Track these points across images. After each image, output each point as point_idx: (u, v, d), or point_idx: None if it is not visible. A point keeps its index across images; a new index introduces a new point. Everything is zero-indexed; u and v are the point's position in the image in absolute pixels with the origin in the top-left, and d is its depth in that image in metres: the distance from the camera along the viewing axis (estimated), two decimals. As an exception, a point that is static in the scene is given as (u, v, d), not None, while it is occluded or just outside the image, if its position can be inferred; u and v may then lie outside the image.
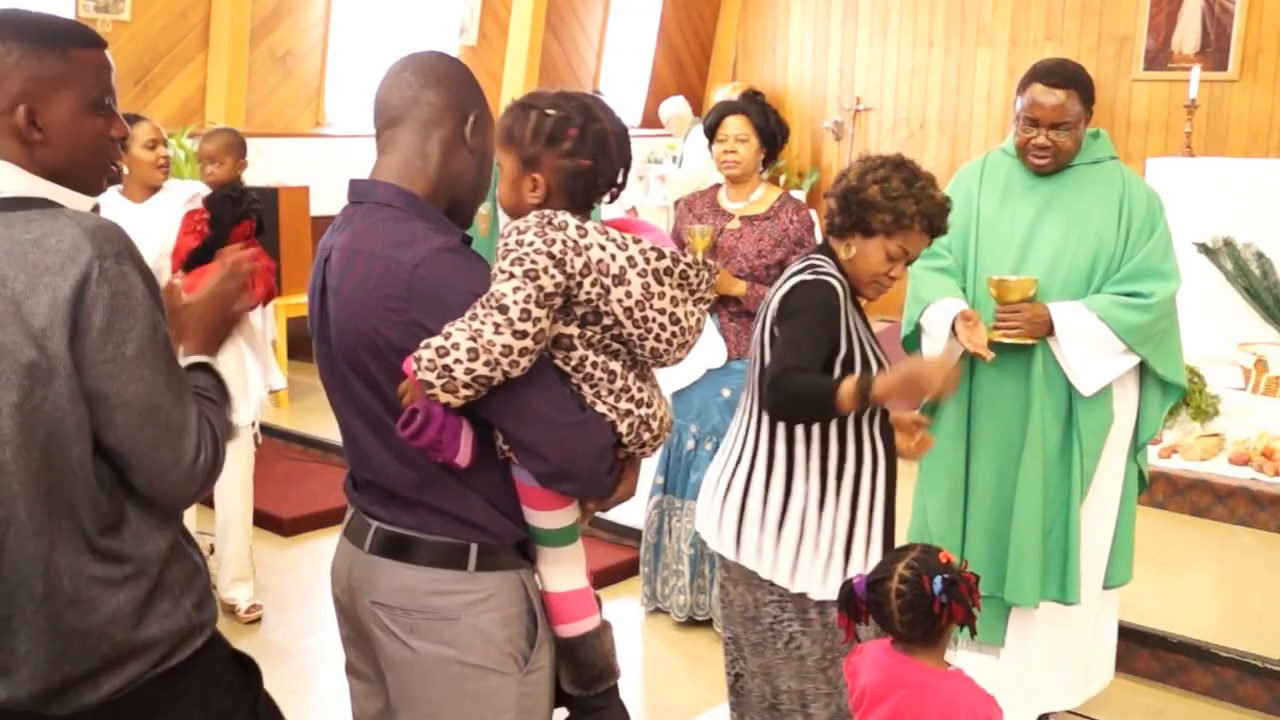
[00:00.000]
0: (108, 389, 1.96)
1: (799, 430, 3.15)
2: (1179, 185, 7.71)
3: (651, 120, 12.92)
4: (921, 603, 2.62)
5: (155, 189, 5.01)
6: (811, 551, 3.16)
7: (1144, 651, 4.86)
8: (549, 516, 2.41)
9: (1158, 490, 6.55)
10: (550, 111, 2.37)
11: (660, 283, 2.33)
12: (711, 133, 4.85)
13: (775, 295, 3.18)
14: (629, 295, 2.29)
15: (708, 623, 5.08)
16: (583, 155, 2.36)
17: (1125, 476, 4.14)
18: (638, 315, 2.31)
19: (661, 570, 5.15)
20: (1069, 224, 3.94)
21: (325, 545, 5.85)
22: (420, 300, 2.21)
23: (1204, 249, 7.40)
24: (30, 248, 1.93)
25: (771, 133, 4.82)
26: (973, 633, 2.69)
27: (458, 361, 2.15)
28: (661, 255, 2.33)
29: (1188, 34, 10.50)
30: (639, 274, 2.30)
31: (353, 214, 2.36)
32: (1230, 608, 5.46)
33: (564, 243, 2.23)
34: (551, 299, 2.22)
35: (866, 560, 3.14)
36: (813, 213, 4.96)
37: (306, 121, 10.12)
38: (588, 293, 2.25)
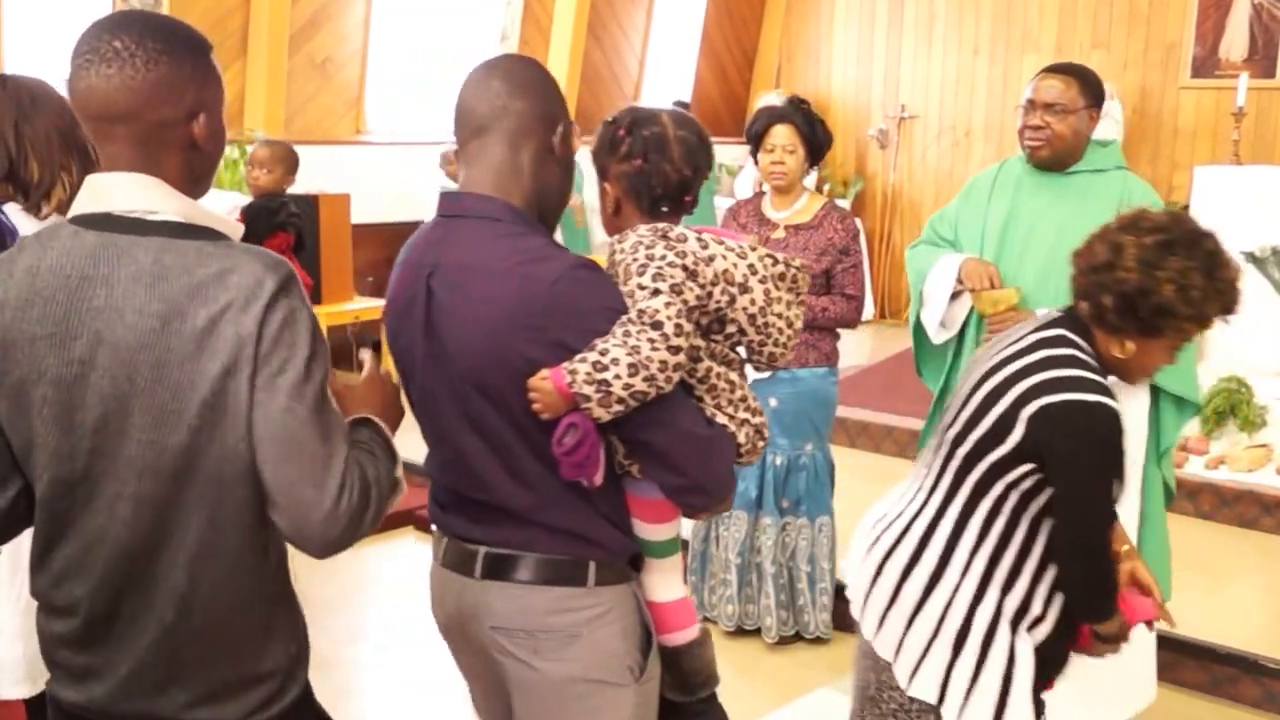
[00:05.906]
0: (256, 416, 1.89)
1: (994, 532, 2.73)
2: (1227, 194, 7.64)
3: (694, 127, 12.89)
4: None
5: None
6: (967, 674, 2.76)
7: (1191, 663, 4.81)
8: (660, 529, 2.42)
9: (1204, 501, 6.50)
10: (608, 121, 2.42)
11: (777, 288, 2.35)
12: (758, 140, 4.83)
13: (1034, 392, 2.62)
14: (753, 303, 2.31)
15: (756, 632, 5.07)
16: (634, 156, 2.38)
17: (1147, 487, 4.04)
18: (760, 322, 2.33)
19: (709, 579, 5.13)
20: (1063, 229, 3.77)
21: (367, 555, 5.89)
22: (561, 318, 2.18)
23: (1252, 258, 7.33)
24: (211, 282, 1.86)
25: (819, 143, 4.81)
26: None
27: (617, 377, 2.13)
28: (776, 261, 2.36)
29: (1235, 41, 10.43)
30: (760, 281, 2.32)
31: (454, 228, 2.31)
32: (1278, 619, 5.40)
33: (693, 255, 2.24)
34: (694, 312, 2.23)
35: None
36: (857, 221, 4.94)
37: (346, 129, 10.13)
38: (717, 301, 2.27)
